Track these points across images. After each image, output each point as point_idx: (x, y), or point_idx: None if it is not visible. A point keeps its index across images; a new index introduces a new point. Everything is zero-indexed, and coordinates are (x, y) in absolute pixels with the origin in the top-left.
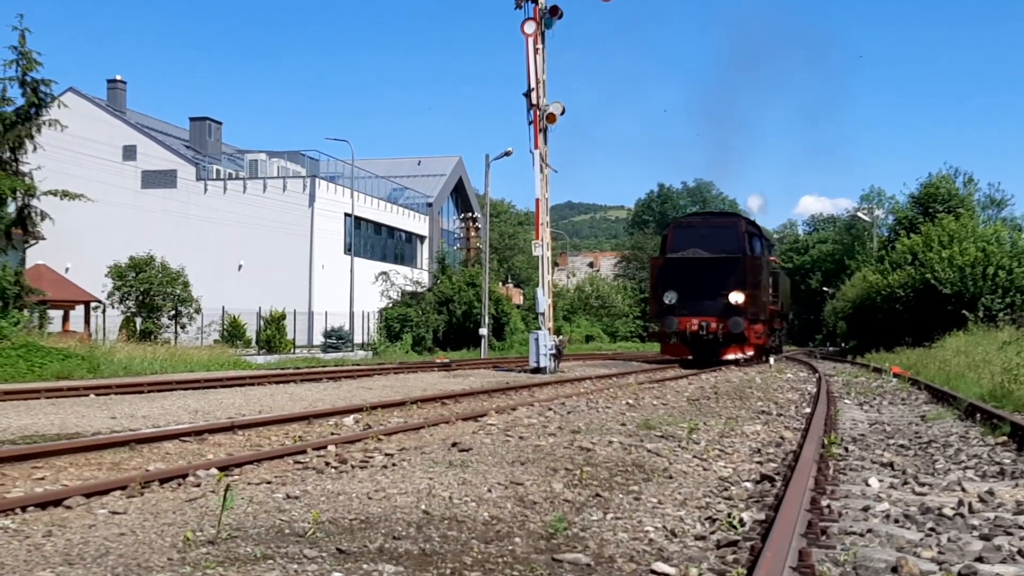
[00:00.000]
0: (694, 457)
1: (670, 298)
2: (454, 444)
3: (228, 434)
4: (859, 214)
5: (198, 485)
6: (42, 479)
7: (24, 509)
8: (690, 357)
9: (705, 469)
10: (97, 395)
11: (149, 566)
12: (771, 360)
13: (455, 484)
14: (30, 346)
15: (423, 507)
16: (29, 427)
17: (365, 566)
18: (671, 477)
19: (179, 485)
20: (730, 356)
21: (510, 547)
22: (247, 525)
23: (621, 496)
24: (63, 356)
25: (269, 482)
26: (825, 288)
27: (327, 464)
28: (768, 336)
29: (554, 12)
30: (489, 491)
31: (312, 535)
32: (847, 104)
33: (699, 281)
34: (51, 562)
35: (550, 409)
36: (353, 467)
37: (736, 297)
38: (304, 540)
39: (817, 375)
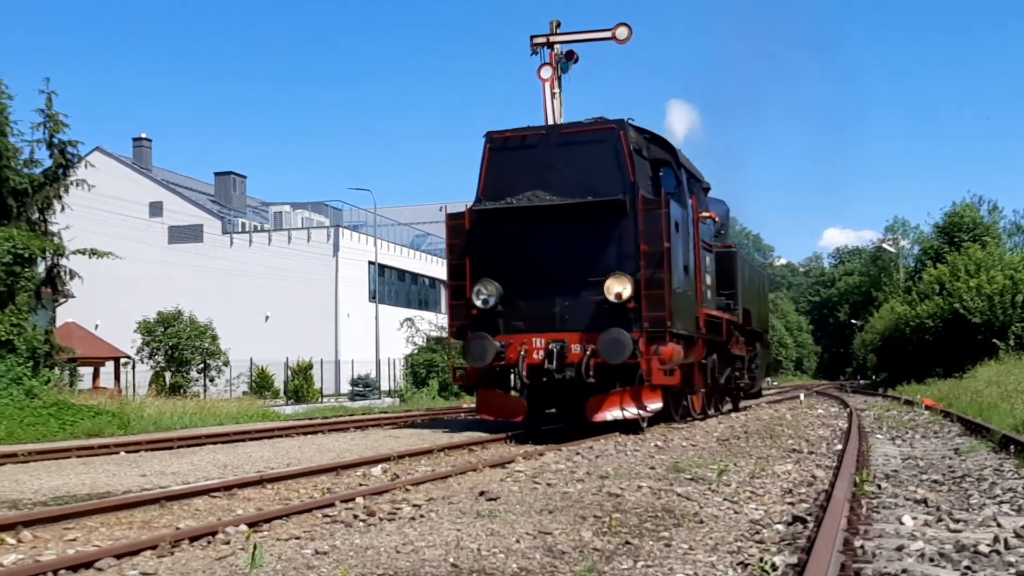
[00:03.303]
0: (725, 500)
1: (484, 296)
2: (482, 493)
3: (257, 488)
4: (884, 245)
5: (227, 542)
6: (74, 540)
7: (56, 573)
8: (520, 419)
9: (736, 512)
10: (127, 452)
11: None
12: (726, 409)
13: (483, 535)
14: (61, 404)
15: (451, 560)
16: (60, 488)
17: None
18: (702, 522)
19: (208, 543)
20: (608, 415)
21: None
22: None
23: (651, 543)
24: (94, 413)
25: (298, 537)
26: (853, 320)
27: (355, 517)
28: (705, 372)
29: (570, 56)
30: (518, 541)
31: None
32: (866, 132)
33: (541, 258)
34: None
35: (578, 453)
36: (381, 519)
37: (617, 286)
38: None
39: (848, 409)
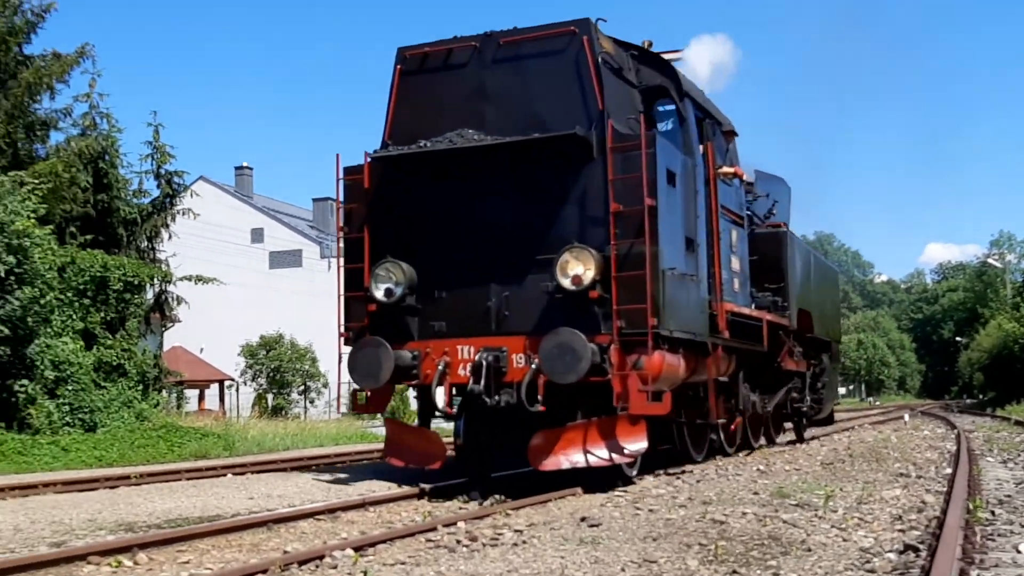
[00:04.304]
0: (832, 527)
1: (387, 285)
2: (583, 519)
3: (360, 511)
4: (990, 260)
5: (335, 567)
6: (187, 563)
7: None
8: (437, 466)
9: (845, 539)
10: (234, 475)
11: None
12: (784, 441)
13: (587, 563)
14: (169, 427)
15: None
16: (173, 510)
17: None
18: (809, 550)
19: (316, 567)
20: (564, 461)
21: None
22: None
23: (759, 572)
24: (200, 435)
25: (403, 563)
26: (958, 338)
27: (458, 542)
28: (732, 394)
29: None
30: (622, 570)
31: None
32: (969, 142)
33: (470, 227)
34: None
35: (678, 477)
36: (484, 545)
37: (575, 266)
38: None
39: (955, 430)
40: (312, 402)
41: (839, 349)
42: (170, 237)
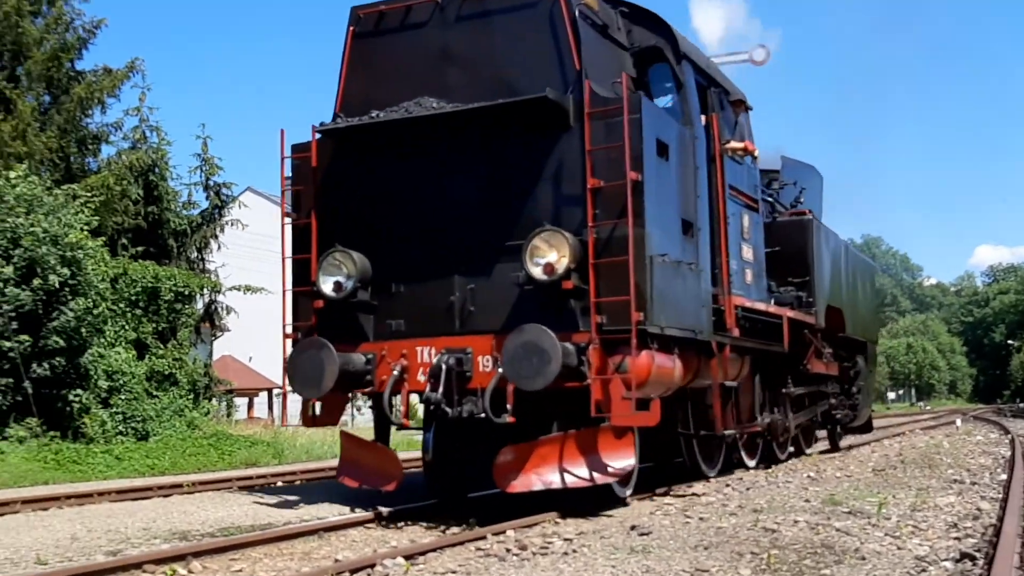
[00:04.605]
0: (886, 535)
1: (337, 277)
2: (633, 527)
3: (407, 521)
4: None
5: (386, 575)
6: (239, 571)
7: None
8: (391, 487)
9: (899, 548)
10: (284, 483)
11: None
12: (816, 451)
13: (639, 572)
14: (220, 435)
15: None
16: (225, 519)
17: None
18: (863, 558)
19: (368, 575)
20: (536, 481)
21: None
22: None
23: None
24: (250, 443)
25: (454, 571)
26: (1010, 341)
27: (508, 551)
28: (746, 400)
29: None
30: None
31: None
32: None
33: (430, 210)
34: None
35: (727, 485)
36: (534, 554)
37: (547, 252)
38: None
39: (1009, 436)
40: (359, 410)
41: (875, 351)
42: (219, 247)
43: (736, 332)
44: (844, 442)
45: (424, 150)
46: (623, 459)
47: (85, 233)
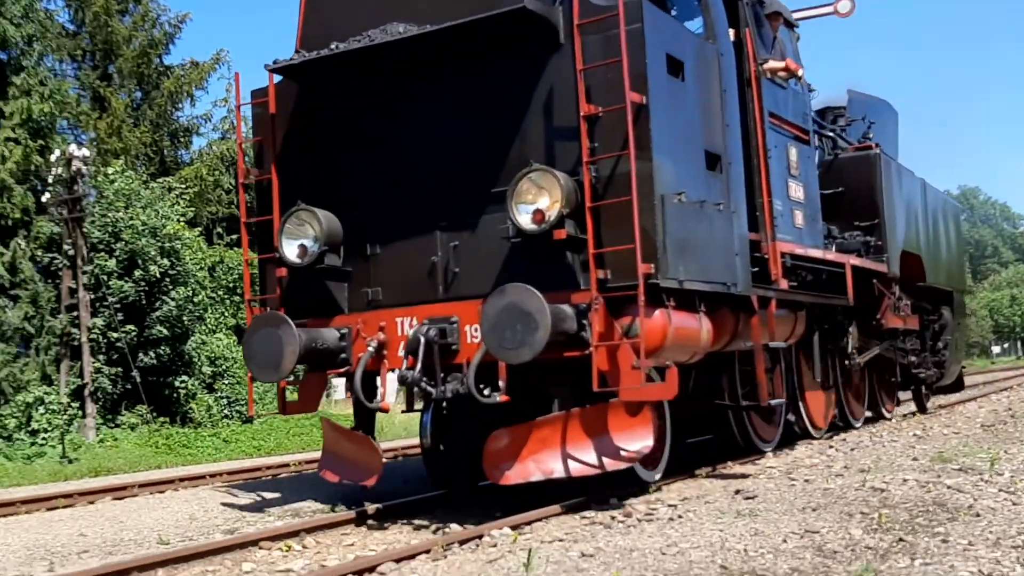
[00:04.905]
0: (1000, 491)
1: (301, 241)
2: (738, 491)
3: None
4: None
5: (495, 545)
6: (351, 545)
7: None
8: (371, 483)
9: (1015, 503)
10: (386, 460)
11: None
12: (898, 415)
13: (747, 535)
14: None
15: (719, 561)
16: (333, 495)
17: None
18: (978, 515)
19: (477, 546)
20: (533, 471)
21: None
22: None
23: (927, 539)
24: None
25: (561, 540)
26: None
27: (612, 518)
28: (798, 364)
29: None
30: (784, 541)
31: None
32: None
33: (404, 154)
34: None
35: (831, 447)
36: (640, 520)
37: (535, 197)
38: None
39: None
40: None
41: (963, 301)
42: None
43: (783, 284)
44: (932, 403)
45: (395, 86)
46: (639, 440)
47: (182, 224)
